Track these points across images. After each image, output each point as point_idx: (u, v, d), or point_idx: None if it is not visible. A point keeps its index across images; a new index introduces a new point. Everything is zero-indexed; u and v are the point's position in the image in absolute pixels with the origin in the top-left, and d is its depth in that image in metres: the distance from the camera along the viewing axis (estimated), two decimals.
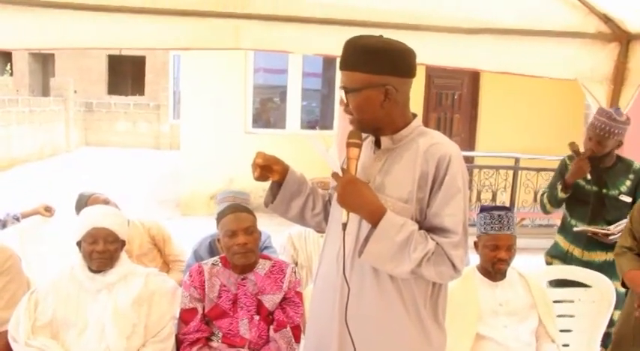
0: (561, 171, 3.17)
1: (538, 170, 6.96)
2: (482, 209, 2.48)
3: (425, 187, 1.58)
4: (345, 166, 1.64)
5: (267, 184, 1.83)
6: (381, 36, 1.61)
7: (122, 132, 16.67)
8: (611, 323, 2.77)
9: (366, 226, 1.60)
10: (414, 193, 1.58)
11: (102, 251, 2.25)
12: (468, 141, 8.42)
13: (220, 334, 2.34)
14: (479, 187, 6.94)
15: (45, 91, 18.08)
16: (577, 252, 3.10)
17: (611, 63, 3.43)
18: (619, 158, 3.09)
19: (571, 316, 2.78)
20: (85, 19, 2.94)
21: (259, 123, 8.50)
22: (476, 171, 6.97)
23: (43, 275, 2.77)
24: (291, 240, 3.16)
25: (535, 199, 6.81)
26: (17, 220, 3.34)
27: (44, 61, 19.48)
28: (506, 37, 3.38)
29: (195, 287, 2.35)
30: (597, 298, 2.76)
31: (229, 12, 3.13)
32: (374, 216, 1.54)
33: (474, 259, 2.52)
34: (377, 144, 1.71)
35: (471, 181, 6.70)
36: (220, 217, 2.39)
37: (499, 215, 2.39)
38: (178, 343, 2.35)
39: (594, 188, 3.05)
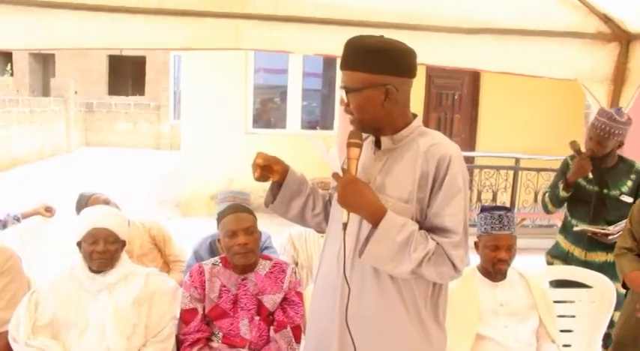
0: (563, 170, 3.17)
1: (538, 170, 6.96)
2: (483, 209, 2.47)
3: (425, 187, 1.58)
4: (345, 166, 1.64)
5: (267, 185, 1.83)
6: (381, 36, 1.61)
7: (122, 132, 16.67)
8: (611, 324, 2.77)
9: (366, 226, 1.60)
10: (415, 193, 1.58)
11: (102, 251, 2.25)
12: (469, 141, 8.41)
13: (221, 335, 2.34)
14: (479, 188, 6.94)
15: (45, 92, 18.09)
16: (578, 252, 3.10)
17: (612, 63, 3.43)
18: (621, 158, 3.09)
19: (572, 317, 2.78)
20: (86, 19, 2.94)
21: (260, 123, 8.50)
22: (476, 171, 6.97)
23: (44, 275, 2.77)
24: (292, 240, 3.16)
25: (535, 200, 6.82)
26: (18, 220, 3.34)
27: (45, 62, 19.49)
28: (507, 37, 3.38)
29: (196, 287, 2.35)
30: (598, 299, 2.76)
31: (229, 12, 3.13)
32: (374, 216, 1.54)
33: (475, 259, 2.52)
34: (377, 144, 1.71)
35: (471, 182, 6.70)
36: (221, 217, 2.39)
37: (499, 215, 2.39)
38: (179, 343, 2.35)
39: (595, 188, 3.05)
